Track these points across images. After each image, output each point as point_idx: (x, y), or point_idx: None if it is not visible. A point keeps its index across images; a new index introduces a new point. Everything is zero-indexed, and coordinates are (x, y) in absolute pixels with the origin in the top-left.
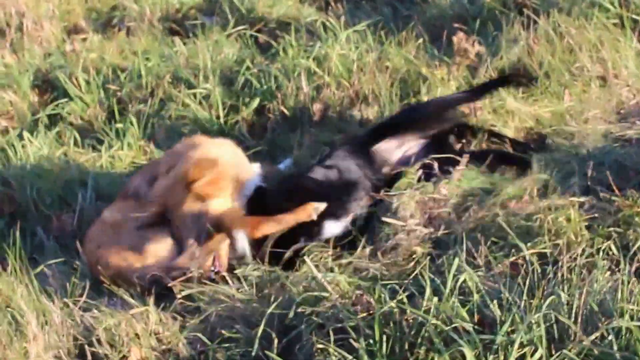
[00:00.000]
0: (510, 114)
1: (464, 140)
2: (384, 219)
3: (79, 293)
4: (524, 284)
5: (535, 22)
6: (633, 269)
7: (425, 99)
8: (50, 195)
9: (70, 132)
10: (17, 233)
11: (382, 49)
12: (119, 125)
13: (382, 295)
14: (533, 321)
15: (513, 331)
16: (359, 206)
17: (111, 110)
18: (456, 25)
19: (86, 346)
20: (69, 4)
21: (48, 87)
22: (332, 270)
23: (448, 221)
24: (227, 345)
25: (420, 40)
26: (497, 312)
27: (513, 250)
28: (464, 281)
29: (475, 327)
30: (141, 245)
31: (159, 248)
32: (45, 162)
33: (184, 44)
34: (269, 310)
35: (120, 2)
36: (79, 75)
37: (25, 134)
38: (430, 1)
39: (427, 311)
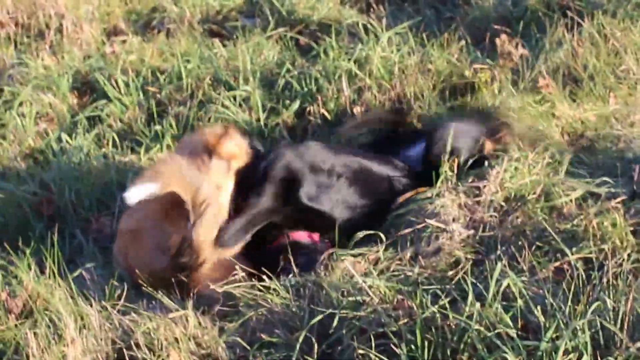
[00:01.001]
0: (556, 117)
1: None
2: (427, 221)
3: (117, 296)
4: (569, 289)
5: (579, 24)
6: None
7: (468, 101)
8: (89, 197)
9: (109, 134)
10: (56, 236)
11: (425, 51)
12: (158, 128)
13: (424, 300)
14: (578, 327)
15: (557, 337)
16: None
17: (150, 113)
18: (499, 27)
19: (125, 350)
20: (108, 5)
21: (87, 89)
22: (367, 274)
23: (491, 224)
24: (266, 350)
25: (463, 43)
26: (541, 318)
27: (557, 255)
28: (508, 286)
29: (519, 333)
30: (165, 241)
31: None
32: (84, 165)
33: (224, 46)
34: (311, 316)
35: (160, 3)
36: (119, 77)
37: (64, 136)
38: (473, 3)
39: (469, 317)
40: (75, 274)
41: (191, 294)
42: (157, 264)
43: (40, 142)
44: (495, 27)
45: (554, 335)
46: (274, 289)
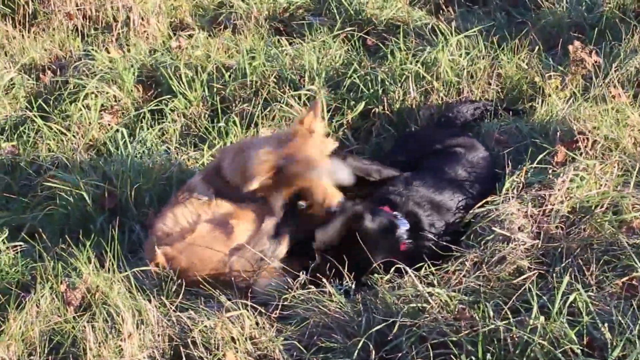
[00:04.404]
0: (629, 127)
1: None
2: (493, 229)
3: (175, 293)
4: (639, 306)
5: None
6: None
7: (538, 108)
8: (150, 192)
9: (172, 129)
10: (116, 230)
11: (495, 56)
12: (222, 124)
13: (487, 311)
14: None
15: (625, 356)
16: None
17: (214, 109)
18: (573, 33)
19: (181, 347)
20: (175, 0)
21: (152, 83)
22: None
23: (557, 236)
24: (323, 355)
25: (534, 48)
26: (608, 335)
27: (626, 270)
28: (574, 301)
29: (584, 350)
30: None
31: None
32: (146, 159)
33: (290, 44)
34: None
35: None
36: (184, 72)
37: (128, 130)
38: (546, 8)
39: (533, 330)
40: (135, 269)
41: (248, 294)
42: (219, 265)
43: (104, 135)
44: (569, 33)
45: (621, 354)
46: (331, 294)
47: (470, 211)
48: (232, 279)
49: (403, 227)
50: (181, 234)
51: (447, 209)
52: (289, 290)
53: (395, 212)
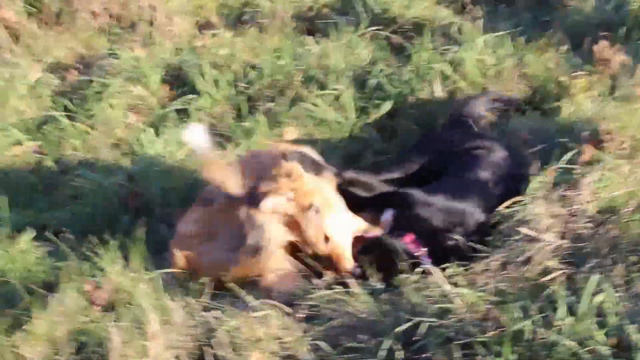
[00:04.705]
0: None
1: None
2: (519, 229)
3: (200, 292)
4: None
5: None
6: None
7: (564, 108)
8: (175, 192)
9: None
10: (142, 229)
11: (521, 55)
12: (247, 124)
13: (513, 312)
14: None
15: None
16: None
17: (240, 108)
18: (599, 33)
19: (207, 348)
20: None
21: (177, 82)
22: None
23: (584, 236)
24: (349, 355)
25: (561, 47)
26: (636, 336)
27: None
28: (601, 301)
29: (612, 350)
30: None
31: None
32: (172, 159)
33: (316, 43)
34: (395, 322)
35: None
36: (209, 71)
37: (153, 129)
38: (572, 7)
39: (560, 331)
40: (160, 270)
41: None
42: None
43: (129, 134)
44: (596, 32)
45: None
46: (356, 293)
47: (496, 211)
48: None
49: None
50: (201, 236)
51: (469, 221)
52: (315, 290)
53: (420, 251)
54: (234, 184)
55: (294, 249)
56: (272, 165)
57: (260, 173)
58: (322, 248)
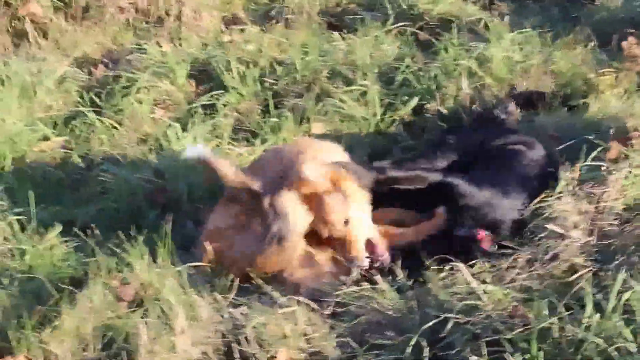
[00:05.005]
0: None
1: None
2: (546, 226)
3: (227, 288)
4: None
5: None
6: None
7: (592, 104)
8: (202, 187)
9: (224, 124)
10: (168, 225)
11: (548, 52)
12: (274, 120)
13: (540, 309)
14: None
15: None
16: None
17: (267, 104)
18: (628, 29)
19: (234, 344)
20: None
21: (204, 77)
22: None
23: (611, 233)
24: (376, 352)
25: (589, 44)
26: None
27: None
28: (628, 298)
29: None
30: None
31: None
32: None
33: (343, 39)
34: (422, 319)
35: None
36: (236, 67)
37: (180, 124)
38: (600, 4)
39: (587, 328)
40: (187, 265)
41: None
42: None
43: (156, 129)
44: (623, 28)
45: None
46: (382, 290)
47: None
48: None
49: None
50: (231, 229)
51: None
52: (342, 286)
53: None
54: (249, 180)
55: (321, 242)
56: (294, 161)
57: (282, 169)
58: (340, 229)
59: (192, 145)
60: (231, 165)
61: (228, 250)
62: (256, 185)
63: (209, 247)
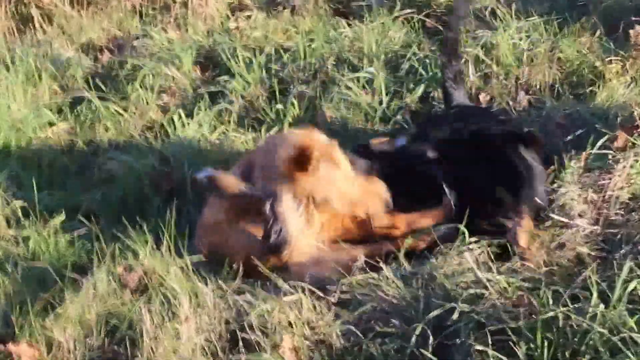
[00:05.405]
0: None
1: None
2: (552, 215)
3: (231, 276)
4: None
5: None
6: None
7: (598, 93)
8: None
9: (230, 111)
10: (174, 212)
11: (555, 40)
12: (280, 107)
13: (546, 298)
14: None
15: None
16: None
17: (272, 91)
18: (635, 17)
19: (238, 331)
20: None
21: (210, 64)
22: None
23: (617, 222)
24: (380, 340)
25: (596, 32)
26: None
27: None
28: (634, 288)
29: None
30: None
31: None
32: (204, 141)
33: (349, 25)
34: (426, 308)
35: None
36: (242, 54)
37: (185, 111)
38: None
39: (592, 318)
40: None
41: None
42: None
43: (162, 116)
44: (630, 17)
45: None
46: (387, 278)
47: None
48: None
49: None
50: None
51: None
52: (348, 274)
53: None
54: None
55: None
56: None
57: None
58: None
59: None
60: (232, 178)
61: (225, 244)
62: (256, 192)
63: (203, 240)
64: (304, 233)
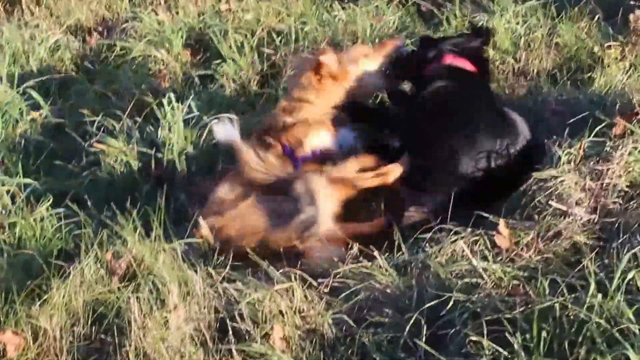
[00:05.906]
0: None
1: None
2: (549, 203)
3: (222, 264)
4: None
5: None
6: None
7: (597, 79)
8: (196, 160)
9: (221, 95)
10: (163, 198)
11: (553, 24)
12: (271, 91)
13: (542, 288)
14: None
15: None
16: None
17: (264, 74)
18: (633, 2)
19: (227, 320)
20: None
21: (201, 47)
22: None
23: (615, 210)
24: (373, 329)
25: (594, 17)
26: None
27: None
28: (632, 278)
29: None
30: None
31: None
32: (194, 125)
33: (343, 8)
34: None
35: None
36: (233, 37)
37: (175, 95)
38: None
39: (590, 308)
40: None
41: (298, 265)
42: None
43: (151, 99)
44: (629, 2)
45: None
46: (381, 267)
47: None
48: (281, 248)
49: None
50: (234, 202)
51: None
52: (341, 262)
53: None
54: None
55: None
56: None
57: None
58: None
59: (220, 124)
60: (254, 154)
61: (233, 223)
62: (285, 174)
63: (204, 222)
64: (331, 215)
